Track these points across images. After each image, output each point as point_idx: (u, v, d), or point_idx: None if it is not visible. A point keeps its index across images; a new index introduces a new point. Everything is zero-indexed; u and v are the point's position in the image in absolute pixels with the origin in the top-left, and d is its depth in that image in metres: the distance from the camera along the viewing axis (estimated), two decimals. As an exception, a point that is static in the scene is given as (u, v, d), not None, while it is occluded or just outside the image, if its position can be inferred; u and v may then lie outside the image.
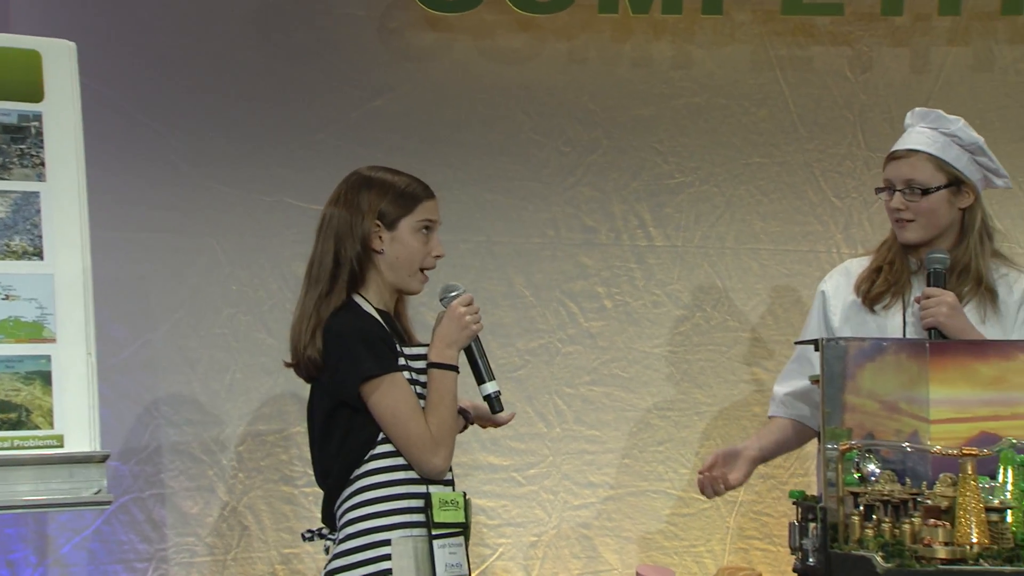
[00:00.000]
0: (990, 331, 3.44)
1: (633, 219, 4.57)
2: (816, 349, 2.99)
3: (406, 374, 3.19)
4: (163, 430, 4.45)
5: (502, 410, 3.30)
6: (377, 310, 3.24)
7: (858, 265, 3.64)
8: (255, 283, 4.54)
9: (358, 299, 3.24)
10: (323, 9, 4.56)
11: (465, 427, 3.40)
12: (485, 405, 3.31)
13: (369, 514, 3.16)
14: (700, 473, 3.50)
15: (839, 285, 3.63)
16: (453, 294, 3.26)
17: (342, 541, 3.18)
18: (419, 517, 3.15)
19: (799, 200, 4.55)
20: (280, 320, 4.50)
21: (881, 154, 4.43)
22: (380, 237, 3.23)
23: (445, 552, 3.14)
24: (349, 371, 3.14)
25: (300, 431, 4.49)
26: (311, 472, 4.45)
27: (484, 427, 3.45)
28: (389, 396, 3.14)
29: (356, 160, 4.52)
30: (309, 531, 3.28)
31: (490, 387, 3.26)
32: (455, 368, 3.22)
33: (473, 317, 3.24)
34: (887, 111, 4.52)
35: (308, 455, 4.44)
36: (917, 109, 3.60)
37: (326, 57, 4.55)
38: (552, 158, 4.57)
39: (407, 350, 3.23)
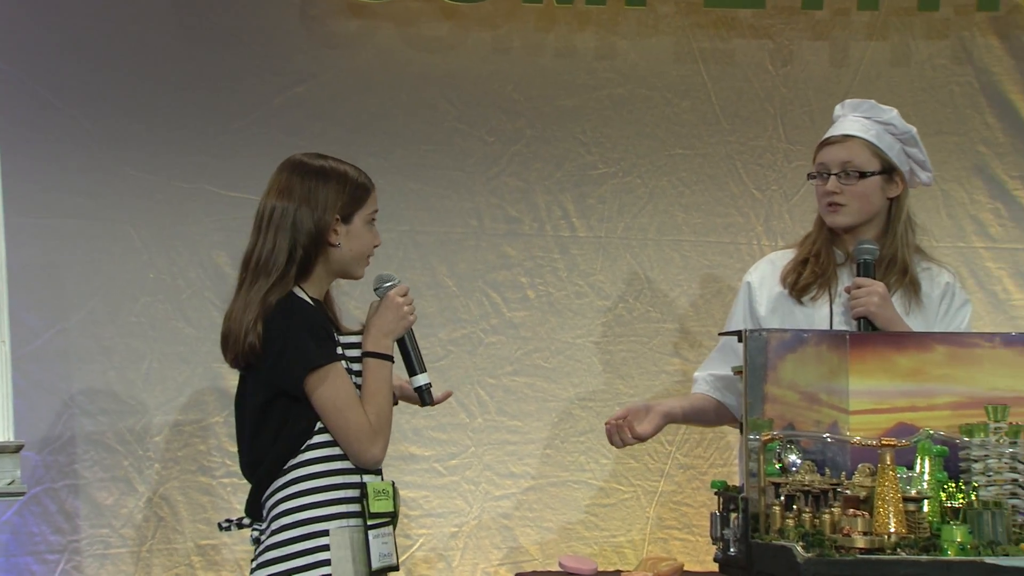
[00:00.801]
0: (913, 322, 3.48)
1: (557, 209, 4.57)
2: (740, 340, 3.00)
3: (343, 363, 3.17)
4: (77, 420, 4.39)
5: (432, 402, 3.29)
6: (313, 300, 3.23)
7: (782, 257, 3.67)
8: (173, 271, 4.48)
9: (298, 290, 3.22)
10: (244, -7, 4.51)
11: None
12: (409, 388, 3.32)
13: (305, 505, 3.14)
14: (607, 423, 3.49)
15: (765, 276, 3.65)
16: (388, 284, 3.25)
17: (275, 532, 3.15)
18: (355, 507, 3.14)
19: (721, 192, 4.57)
20: (199, 309, 4.46)
21: (801, 147, 4.50)
22: (336, 231, 3.21)
23: (379, 542, 3.14)
24: (295, 361, 3.12)
25: (219, 421, 4.45)
26: (229, 462, 4.45)
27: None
28: (332, 386, 3.12)
29: (278, 147, 4.48)
30: (227, 520, 3.25)
31: (421, 379, 3.26)
32: (391, 358, 3.21)
33: (410, 308, 3.24)
34: (807, 104, 4.56)
35: (227, 445, 4.45)
36: (848, 100, 3.65)
37: (247, 43, 4.50)
38: (476, 148, 4.56)
39: (342, 339, 3.22)
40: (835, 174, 3.52)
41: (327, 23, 4.52)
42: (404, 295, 3.24)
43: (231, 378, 4.46)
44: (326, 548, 3.11)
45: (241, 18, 4.48)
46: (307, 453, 3.16)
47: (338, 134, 4.45)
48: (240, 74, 4.50)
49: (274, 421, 3.17)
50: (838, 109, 3.65)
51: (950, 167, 4.56)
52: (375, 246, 3.27)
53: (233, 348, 3.19)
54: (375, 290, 3.26)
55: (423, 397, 3.28)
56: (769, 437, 2.92)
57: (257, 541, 3.22)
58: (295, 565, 3.12)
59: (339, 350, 3.19)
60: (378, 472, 3.22)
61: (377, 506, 3.14)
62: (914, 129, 3.62)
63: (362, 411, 3.14)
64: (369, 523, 3.14)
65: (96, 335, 4.43)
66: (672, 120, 4.57)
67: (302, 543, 3.12)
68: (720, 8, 4.50)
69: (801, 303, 3.55)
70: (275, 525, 3.15)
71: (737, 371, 3.21)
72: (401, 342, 3.25)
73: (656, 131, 4.57)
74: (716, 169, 4.57)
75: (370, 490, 3.14)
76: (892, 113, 3.59)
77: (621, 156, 4.57)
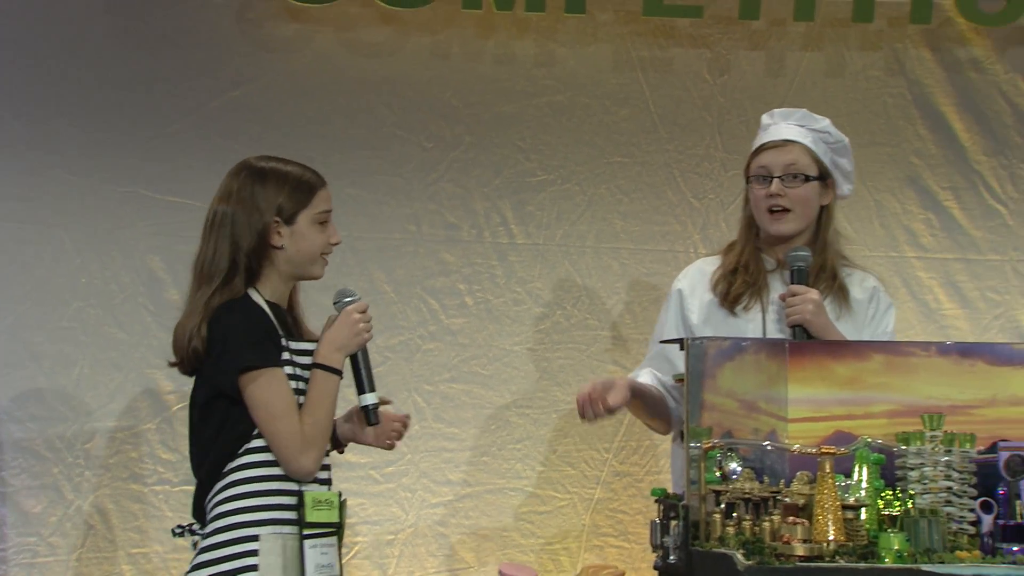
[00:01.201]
0: (843, 328, 3.51)
1: (495, 216, 4.57)
2: (681, 348, 3.01)
3: (288, 369, 3.16)
4: (5, 426, 4.33)
5: (377, 423, 3.27)
6: (269, 303, 3.21)
7: (711, 264, 3.67)
8: (106, 276, 4.44)
9: (252, 293, 3.20)
10: (179, -5, 4.48)
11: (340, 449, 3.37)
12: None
13: (239, 508, 3.12)
14: (579, 397, 3.41)
15: (695, 284, 3.65)
16: (349, 299, 3.24)
17: (209, 535, 3.14)
18: (291, 515, 3.12)
19: (659, 200, 4.59)
20: (132, 314, 4.42)
21: (739, 156, 4.52)
22: (279, 232, 3.19)
23: (316, 552, 3.11)
24: (229, 361, 3.11)
25: (151, 427, 4.40)
26: (162, 470, 4.41)
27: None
28: (265, 390, 3.11)
29: (214, 151, 4.46)
30: (180, 526, 3.24)
31: (370, 398, 3.25)
32: (339, 372, 3.19)
33: (366, 325, 3.23)
34: (744, 113, 4.59)
35: (159, 452, 4.41)
36: (777, 109, 3.67)
37: (182, 45, 4.46)
38: (414, 154, 4.54)
39: (294, 344, 3.20)
40: (779, 177, 3.53)
41: (264, 27, 4.50)
42: (362, 312, 3.23)
43: (164, 384, 4.43)
44: (255, 553, 3.09)
45: (177, 20, 4.45)
46: (245, 457, 3.14)
47: (275, 138, 4.42)
48: (176, 77, 4.46)
49: (214, 423, 3.16)
50: (766, 118, 3.66)
51: (883, 178, 4.61)
52: (333, 244, 3.25)
53: (179, 353, 3.19)
54: (334, 304, 3.26)
55: (369, 416, 3.26)
56: (710, 445, 2.93)
57: (196, 545, 3.20)
58: (223, 569, 3.10)
59: (287, 356, 3.16)
60: (325, 481, 3.19)
61: (316, 516, 3.12)
62: (847, 139, 3.65)
63: (296, 420, 3.12)
64: (305, 532, 3.11)
65: (26, 340, 4.38)
66: (611, 128, 4.59)
67: (232, 547, 3.10)
68: (658, 17, 4.52)
69: (734, 313, 3.56)
70: (210, 528, 3.15)
71: (678, 379, 3.23)
72: (354, 358, 3.24)
73: (595, 139, 4.59)
74: (654, 177, 4.59)
75: (308, 499, 3.12)
76: (826, 122, 3.62)
77: (560, 163, 4.58)
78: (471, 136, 4.56)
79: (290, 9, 4.47)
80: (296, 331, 3.27)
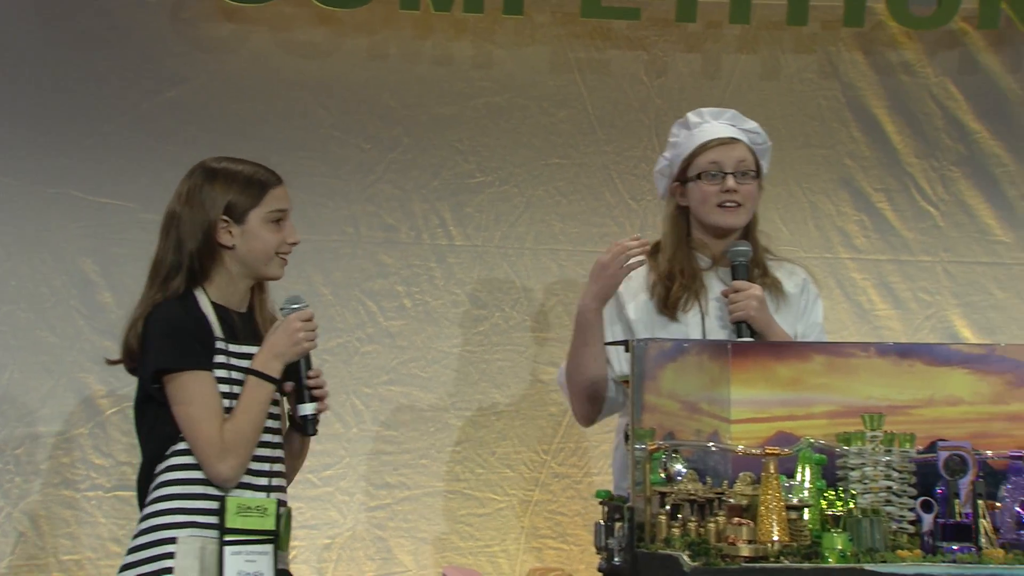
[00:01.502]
0: (780, 320, 3.54)
1: (434, 218, 4.55)
2: (627, 350, 3.02)
3: (224, 372, 3.12)
4: (-65, 431, 4.27)
5: (315, 433, 3.24)
6: (216, 305, 3.17)
7: (646, 267, 3.68)
8: (36, 279, 4.38)
9: (198, 293, 3.17)
10: (111, -6, 4.42)
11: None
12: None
13: (161, 510, 3.11)
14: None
15: (633, 285, 3.66)
16: (295, 306, 3.21)
17: (135, 536, 3.14)
18: (212, 519, 3.10)
19: (597, 202, 4.60)
20: (63, 318, 4.36)
21: (676, 158, 4.55)
22: (229, 232, 3.16)
23: (240, 559, 3.08)
24: (149, 361, 3.11)
25: (83, 432, 4.35)
26: (95, 475, 4.36)
27: None
28: (185, 393, 3.08)
29: (147, 152, 4.41)
30: None
31: (308, 408, 3.21)
32: (274, 380, 3.15)
33: (308, 334, 3.19)
34: (681, 115, 4.55)
35: (92, 458, 4.37)
36: (706, 108, 3.68)
37: (115, 45, 4.41)
38: (352, 155, 4.52)
39: (235, 347, 3.16)
40: (731, 173, 3.55)
41: (199, 26, 4.45)
42: (306, 320, 3.19)
43: (97, 388, 4.38)
44: (171, 555, 3.07)
45: (109, 20, 4.41)
46: (172, 459, 3.12)
47: (211, 140, 4.37)
48: (108, 76, 4.41)
49: (146, 424, 3.16)
50: (695, 116, 3.66)
51: (818, 179, 4.66)
52: (291, 244, 3.22)
53: (123, 351, 3.18)
54: (280, 310, 3.22)
55: (306, 427, 3.22)
56: (655, 447, 2.94)
57: None
58: (144, 570, 3.09)
59: (223, 358, 3.13)
60: (267, 488, 3.16)
61: (240, 522, 3.08)
62: (770, 143, 3.68)
63: (216, 425, 3.08)
64: (227, 538, 3.08)
65: (-45, 344, 4.31)
66: (549, 130, 4.59)
67: (152, 548, 3.09)
68: (596, 19, 4.52)
69: (674, 317, 3.57)
70: (137, 528, 3.14)
71: (622, 380, 3.23)
72: (295, 367, 3.19)
73: (533, 140, 4.59)
74: (592, 179, 4.60)
75: (229, 504, 3.09)
76: (754, 123, 3.66)
77: (498, 165, 4.58)
78: (409, 138, 4.55)
79: (225, 9, 4.43)
80: (246, 334, 3.22)
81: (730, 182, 3.53)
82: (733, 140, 3.58)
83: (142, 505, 3.18)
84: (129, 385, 4.30)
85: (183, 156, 4.32)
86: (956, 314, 4.64)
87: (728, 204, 3.54)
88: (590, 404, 3.56)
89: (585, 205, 4.60)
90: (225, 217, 3.15)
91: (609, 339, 3.55)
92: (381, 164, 4.54)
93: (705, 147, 3.58)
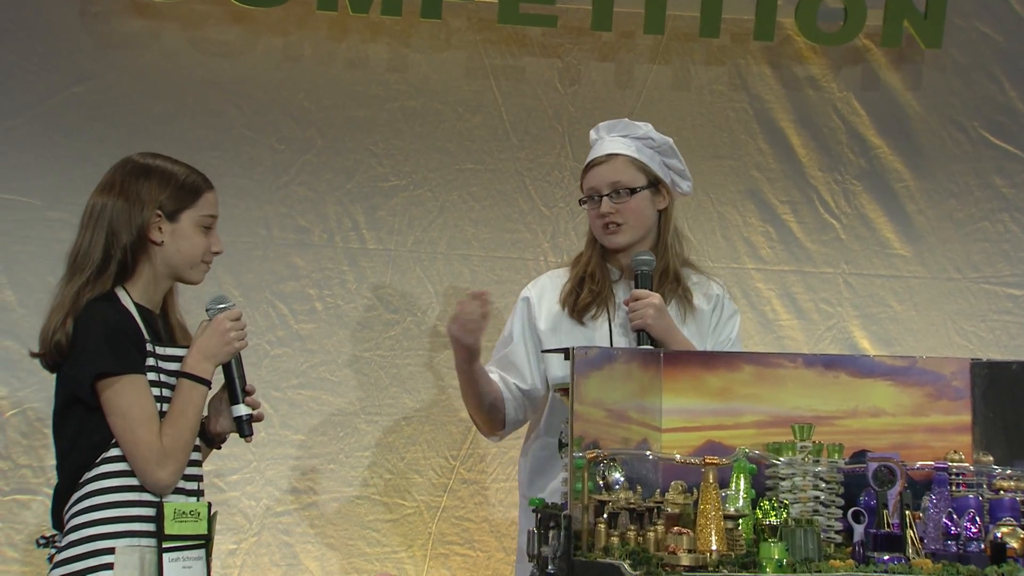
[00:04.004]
0: (688, 331, 3.58)
1: (347, 221, 4.51)
2: (566, 358, 3.02)
3: (153, 375, 3.06)
4: None
5: (251, 434, 3.19)
6: (138, 305, 3.11)
7: (559, 277, 3.71)
8: (-62, 275, 4.23)
9: (120, 292, 3.10)
10: (18, -14, 4.29)
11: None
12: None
13: (95, 520, 3.02)
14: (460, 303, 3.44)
15: (544, 293, 3.68)
16: (221, 306, 3.15)
17: (64, 548, 3.04)
18: (149, 526, 3.04)
19: (510, 208, 4.61)
20: (-29, 314, 4.22)
21: (588, 166, 4.58)
22: (160, 228, 3.10)
23: (178, 566, 3.03)
24: (85, 365, 3.01)
25: (-7, 433, 4.22)
26: (11, 476, 4.20)
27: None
28: (123, 397, 3.01)
29: (53, 148, 4.29)
30: (43, 537, 3.12)
31: (243, 409, 3.16)
32: (206, 382, 3.10)
33: (238, 334, 3.14)
34: (594, 123, 4.55)
35: (9, 457, 4.21)
36: (602, 123, 3.72)
37: (21, 38, 4.29)
38: (265, 156, 4.46)
39: (161, 350, 3.10)
40: (606, 195, 3.59)
41: (109, 21, 4.35)
42: (235, 320, 3.14)
43: (1, 389, 4.24)
44: (110, 567, 3.00)
45: (16, 12, 4.29)
46: (103, 466, 3.04)
47: (119, 137, 4.27)
48: (12, 70, 4.30)
49: (71, 429, 3.07)
50: (593, 133, 3.72)
51: (725, 190, 4.73)
52: (215, 252, 3.17)
53: (43, 346, 3.08)
54: (207, 310, 3.16)
55: (242, 428, 3.17)
56: (594, 455, 2.95)
57: (52, 559, 3.09)
58: None
59: (152, 362, 3.06)
60: (195, 492, 3.11)
61: (177, 528, 3.04)
62: (670, 140, 3.71)
63: (155, 430, 3.03)
64: (165, 545, 3.02)
65: None
66: (463, 135, 4.58)
67: (88, 560, 3.01)
68: (512, 25, 4.53)
69: (582, 323, 3.60)
70: (66, 540, 3.05)
71: (559, 389, 3.24)
72: (227, 368, 3.15)
73: (447, 145, 4.57)
74: (505, 185, 4.61)
75: (168, 510, 3.04)
76: (647, 127, 3.68)
77: (412, 169, 4.55)
78: (323, 139, 4.50)
79: (136, 4, 4.33)
80: (167, 336, 3.16)
81: (604, 206, 3.58)
82: (610, 157, 3.62)
83: (63, 514, 3.08)
84: (30, 386, 4.23)
85: (91, 153, 4.26)
86: (856, 325, 4.74)
87: (609, 226, 3.57)
88: (490, 424, 3.64)
89: (498, 211, 4.60)
90: (159, 212, 3.09)
91: (525, 349, 3.58)
92: (294, 166, 4.49)
93: (585, 171, 3.66)
